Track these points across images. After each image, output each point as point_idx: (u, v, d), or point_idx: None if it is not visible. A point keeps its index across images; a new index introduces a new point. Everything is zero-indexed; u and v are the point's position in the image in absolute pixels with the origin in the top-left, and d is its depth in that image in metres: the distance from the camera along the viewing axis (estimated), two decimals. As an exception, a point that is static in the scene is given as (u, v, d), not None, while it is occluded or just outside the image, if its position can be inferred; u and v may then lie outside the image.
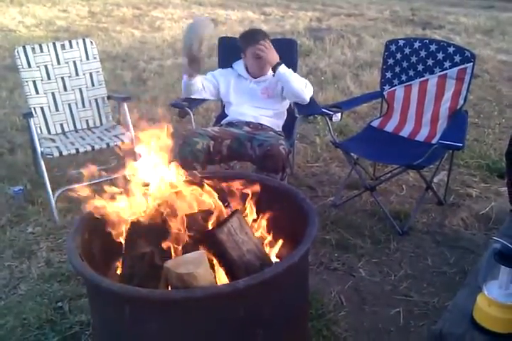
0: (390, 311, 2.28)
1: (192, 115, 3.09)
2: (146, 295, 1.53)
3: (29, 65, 3.21)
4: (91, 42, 3.36)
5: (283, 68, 2.85)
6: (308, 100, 2.90)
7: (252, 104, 3.08)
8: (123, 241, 1.79)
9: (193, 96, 3.06)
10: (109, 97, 3.43)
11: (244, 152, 2.83)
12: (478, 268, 1.56)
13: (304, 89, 2.86)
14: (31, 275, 2.56)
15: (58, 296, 2.39)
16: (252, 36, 2.98)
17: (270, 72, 3.04)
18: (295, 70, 3.00)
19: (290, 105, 3.25)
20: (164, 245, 1.70)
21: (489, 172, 3.44)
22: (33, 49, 3.22)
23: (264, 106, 3.07)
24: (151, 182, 1.83)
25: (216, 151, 2.82)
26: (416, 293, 2.38)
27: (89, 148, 3.04)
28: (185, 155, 2.70)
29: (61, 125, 3.35)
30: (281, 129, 3.12)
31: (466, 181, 3.36)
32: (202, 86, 3.00)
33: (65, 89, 3.33)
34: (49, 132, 3.30)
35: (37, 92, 3.25)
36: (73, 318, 2.25)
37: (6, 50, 6.92)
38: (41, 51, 3.24)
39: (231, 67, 3.19)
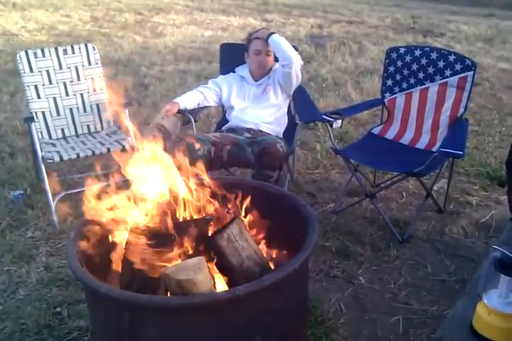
0: (390, 319, 2.28)
1: (193, 121, 3.10)
2: (145, 301, 1.52)
3: (31, 70, 3.21)
4: (93, 47, 3.37)
5: (276, 35, 3.00)
6: (295, 63, 2.95)
7: (254, 106, 3.12)
8: (123, 246, 1.79)
9: (196, 106, 3.15)
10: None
11: (244, 157, 2.84)
12: (478, 277, 1.55)
13: (292, 50, 2.97)
14: (30, 280, 2.55)
15: (57, 301, 2.38)
16: (252, 34, 3.12)
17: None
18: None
19: (291, 111, 3.27)
20: (164, 251, 1.70)
21: (489, 180, 3.45)
22: (35, 54, 3.21)
23: (265, 105, 3.11)
24: (152, 188, 1.83)
25: (217, 157, 2.83)
26: (415, 301, 2.38)
27: (89, 152, 3.04)
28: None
29: (62, 130, 3.35)
30: (281, 136, 3.12)
31: (466, 189, 3.35)
32: (201, 98, 3.15)
33: (67, 93, 3.33)
34: (50, 137, 3.30)
35: (38, 97, 3.25)
36: (72, 324, 2.24)
37: (8, 55, 6.93)
38: (43, 56, 3.24)
39: (233, 71, 3.24)
